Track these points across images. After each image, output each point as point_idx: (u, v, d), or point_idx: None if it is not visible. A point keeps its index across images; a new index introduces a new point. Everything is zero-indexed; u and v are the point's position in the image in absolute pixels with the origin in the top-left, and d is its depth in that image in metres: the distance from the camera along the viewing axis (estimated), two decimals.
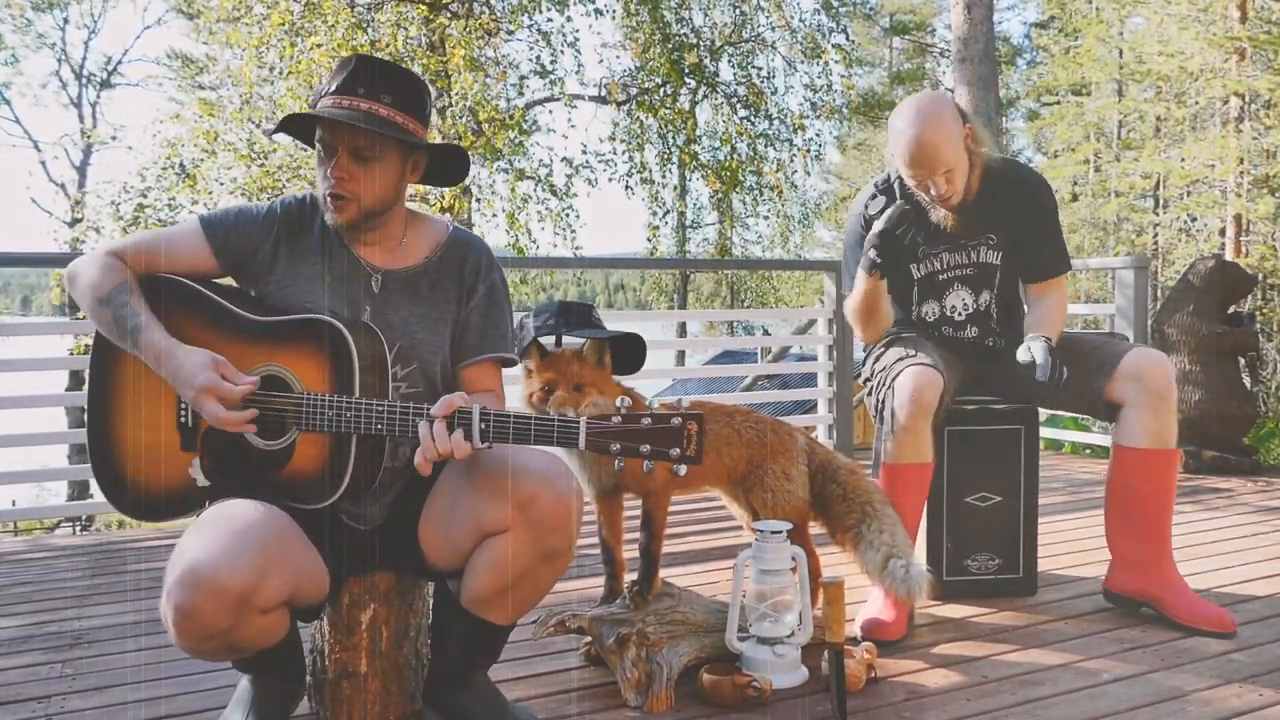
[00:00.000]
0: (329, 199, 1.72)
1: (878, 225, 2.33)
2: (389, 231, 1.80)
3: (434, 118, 9.45)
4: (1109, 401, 2.41)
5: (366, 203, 1.73)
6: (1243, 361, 5.02)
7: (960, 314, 2.56)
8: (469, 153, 1.94)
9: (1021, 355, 2.34)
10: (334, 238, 1.78)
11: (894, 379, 2.35)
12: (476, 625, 1.75)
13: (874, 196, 2.46)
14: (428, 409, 1.58)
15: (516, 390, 2.04)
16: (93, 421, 1.72)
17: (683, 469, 1.54)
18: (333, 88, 1.71)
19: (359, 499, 1.75)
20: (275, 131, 1.79)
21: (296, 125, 1.77)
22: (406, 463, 1.80)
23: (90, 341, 1.97)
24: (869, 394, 2.55)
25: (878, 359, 2.53)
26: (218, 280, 1.79)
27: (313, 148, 1.77)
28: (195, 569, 1.46)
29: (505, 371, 1.91)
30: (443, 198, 9.43)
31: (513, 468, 1.67)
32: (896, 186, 2.48)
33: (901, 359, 2.40)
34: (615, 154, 10.81)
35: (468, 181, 9.70)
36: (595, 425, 1.54)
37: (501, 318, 1.87)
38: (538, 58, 10.07)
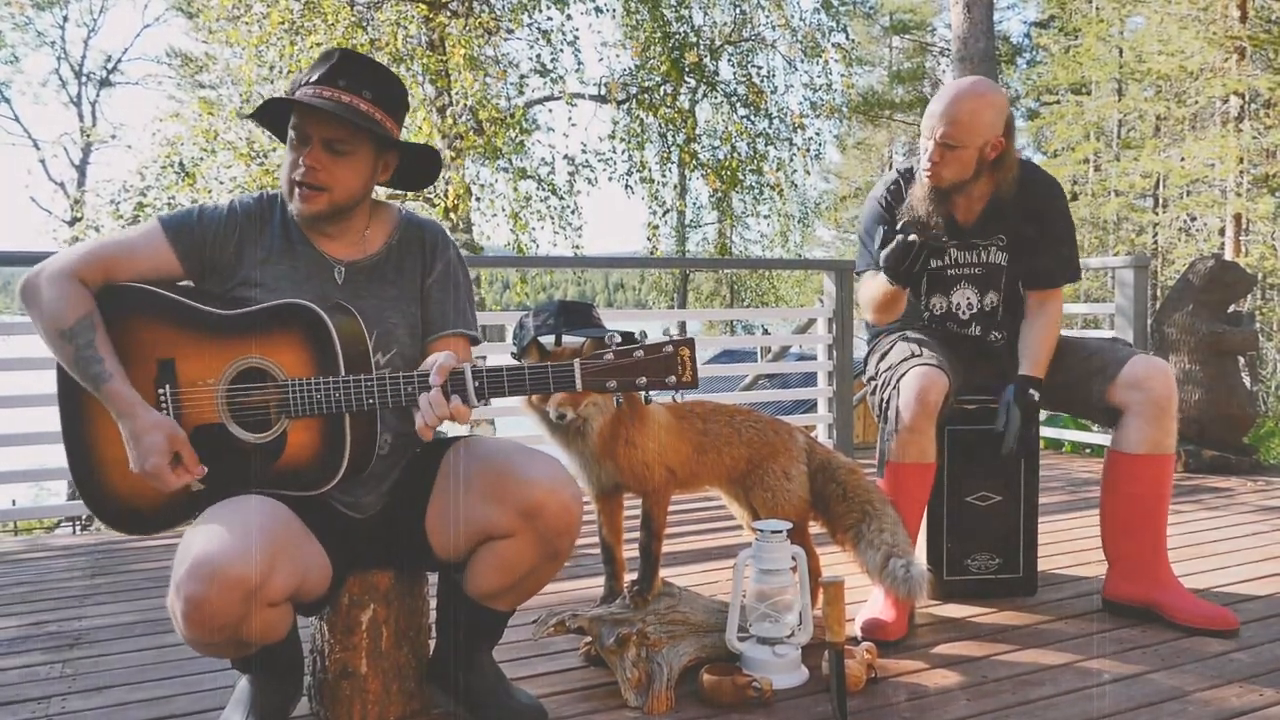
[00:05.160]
0: (298, 188, 1.69)
1: (883, 257, 2.29)
2: (352, 225, 1.79)
3: (434, 117, 9.44)
4: (1109, 406, 2.41)
5: (337, 197, 1.71)
6: (1242, 361, 5.03)
7: (965, 312, 2.55)
8: (441, 156, 1.92)
9: (999, 422, 2.40)
10: (295, 233, 1.76)
11: (900, 379, 2.35)
12: (481, 612, 1.79)
13: (895, 183, 2.51)
14: (416, 375, 1.57)
15: None
16: (69, 436, 1.67)
17: (678, 395, 1.57)
18: (313, 78, 1.68)
19: (355, 483, 1.74)
20: (253, 115, 1.75)
21: (272, 114, 1.74)
22: (399, 450, 1.80)
23: None
24: (872, 392, 2.54)
25: (883, 356, 2.52)
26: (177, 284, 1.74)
27: (282, 140, 1.74)
28: (207, 561, 1.47)
29: None
30: (445, 197, 9.42)
31: (515, 473, 1.68)
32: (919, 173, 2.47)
33: (908, 358, 2.39)
34: (615, 153, 10.80)
35: (469, 182, 9.69)
36: (590, 364, 1.54)
37: (459, 294, 1.86)
38: (538, 56, 10.05)
